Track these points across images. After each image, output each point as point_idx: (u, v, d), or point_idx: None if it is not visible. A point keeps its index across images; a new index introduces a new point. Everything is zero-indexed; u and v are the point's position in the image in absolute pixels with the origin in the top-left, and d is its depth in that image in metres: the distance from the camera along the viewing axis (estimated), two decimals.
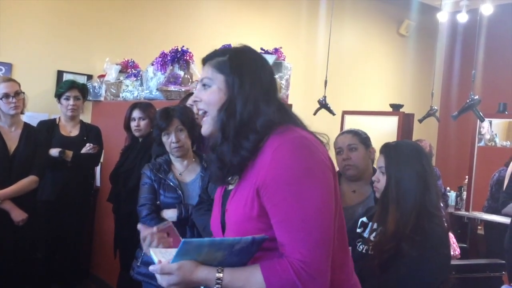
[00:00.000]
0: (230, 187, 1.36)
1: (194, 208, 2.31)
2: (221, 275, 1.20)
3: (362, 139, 2.50)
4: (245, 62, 1.33)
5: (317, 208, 1.20)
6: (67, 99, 3.63)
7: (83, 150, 3.56)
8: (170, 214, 2.40)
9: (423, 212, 1.73)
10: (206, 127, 1.34)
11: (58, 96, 3.65)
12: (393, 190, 1.76)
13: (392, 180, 1.77)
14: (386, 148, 1.86)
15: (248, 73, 1.31)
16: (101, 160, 4.51)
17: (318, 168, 1.23)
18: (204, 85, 1.34)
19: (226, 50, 1.36)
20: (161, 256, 1.26)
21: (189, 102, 1.39)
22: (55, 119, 3.67)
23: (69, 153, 3.48)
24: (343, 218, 1.34)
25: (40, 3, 4.54)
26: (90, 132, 3.70)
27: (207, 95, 1.32)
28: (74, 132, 3.67)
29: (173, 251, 1.28)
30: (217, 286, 1.20)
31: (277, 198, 1.20)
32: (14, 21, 4.40)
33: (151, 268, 1.22)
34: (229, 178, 1.34)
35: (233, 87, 1.29)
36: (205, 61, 1.37)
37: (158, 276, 1.23)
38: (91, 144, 3.61)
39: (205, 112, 1.33)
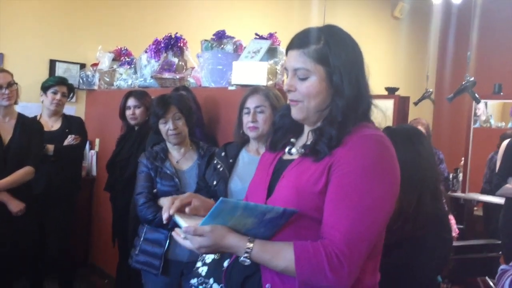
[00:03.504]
0: (288, 156, 1.37)
1: None
2: (251, 245, 1.21)
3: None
4: (345, 48, 1.31)
5: (377, 205, 1.20)
6: (55, 93, 3.58)
7: (65, 142, 3.52)
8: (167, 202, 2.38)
9: (424, 192, 1.74)
10: (299, 113, 1.33)
11: (45, 88, 3.59)
12: None
13: None
14: (386, 131, 1.86)
15: (347, 55, 1.30)
16: (97, 149, 4.51)
17: (393, 174, 1.25)
18: (299, 76, 1.31)
19: (318, 34, 1.31)
20: (190, 222, 1.26)
21: (285, 88, 1.35)
22: (35, 117, 3.61)
23: (50, 147, 3.42)
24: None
25: None
26: (72, 124, 3.65)
27: (306, 87, 1.30)
28: (56, 126, 3.62)
29: (198, 218, 1.29)
30: (245, 255, 1.21)
31: (345, 180, 1.20)
32: (5, 11, 4.33)
33: (184, 229, 1.22)
34: (289, 148, 1.37)
35: (336, 78, 1.28)
36: (294, 46, 1.33)
37: (188, 238, 1.22)
38: (73, 136, 3.56)
39: (298, 101, 1.32)
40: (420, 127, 4.39)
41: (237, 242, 1.22)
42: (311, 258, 1.17)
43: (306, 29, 1.35)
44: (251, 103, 2.19)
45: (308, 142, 1.32)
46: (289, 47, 1.35)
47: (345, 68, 1.29)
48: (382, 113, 1.39)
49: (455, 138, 6.27)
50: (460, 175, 5.43)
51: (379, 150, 1.24)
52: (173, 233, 1.28)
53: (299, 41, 1.32)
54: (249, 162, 2.18)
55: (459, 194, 5.28)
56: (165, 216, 1.30)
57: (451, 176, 5.34)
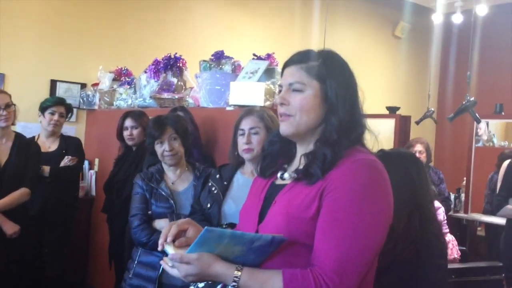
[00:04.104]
0: (280, 181, 1.36)
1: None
2: (239, 273, 1.19)
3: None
4: (342, 73, 1.33)
5: (369, 232, 1.18)
6: (53, 113, 3.58)
7: (62, 164, 3.51)
8: (162, 224, 2.36)
9: (414, 211, 1.73)
10: (288, 127, 1.32)
11: (43, 109, 3.59)
12: None
13: None
14: (380, 153, 1.85)
15: (344, 78, 1.32)
16: (96, 169, 4.50)
17: (386, 199, 1.23)
18: (294, 88, 1.31)
19: (316, 54, 1.34)
20: (177, 250, 1.24)
21: (276, 101, 1.34)
22: (33, 137, 3.61)
23: (46, 169, 3.41)
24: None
25: (33, 13, 4.51)
26: (69, 145, 3.64)
27: (299, 100, 1.30)
28: (53, 147, 3.61)
29: (186, 246, 1.26)
30: (233, 283, 1.18)
31: (336, 206, 1.19)
32: (7, 31, 4.37)
33: (170, 257, 1.20)
34: (281, 173, 1.35)
35: (330, 93, 1.29)
36: (292, 62, 1.34)
37: (175, 266, 1.20)
38: (69, 157, 3.55)
39: (289, 116, 1.31)
40: (419, 145, 4.37)
41: (224, 270, 1.19)
42: (300, 286, 1.15)
43: (305, 49, 1.37)
44: (246, 124, 2.17)
45: (301, 167, 1.30)
46: (286, 64, 1.36)
47: (341, 90, 1.30)
48: (375, 137, 1.37)
49: (458, 158, 6.23)
50: (462, 195, 5.38)
51: (372, 175, 1.22)
52: (161, 262, 1.26)
53: (298, 57, 1.34)
54: (243, 184, 2.15)
55: (461, 214, 5.22)
56: (160, 241, 1.27)
57: (453, 197, 5.28)
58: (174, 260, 1.20)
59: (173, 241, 1.31)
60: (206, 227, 1.17)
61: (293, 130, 1.32)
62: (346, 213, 1.17)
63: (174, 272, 1.22)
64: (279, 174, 1.37)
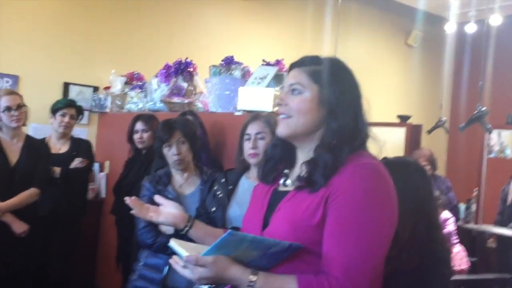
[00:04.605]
0: (283, 188, 1.36)
1: None
2: (255, 278, 1.19)
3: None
4: (342, 74, 1.33)
5: (376, 237, 1.19)
6: (63, 115, 3.61)
7: (72, 165, 3.54)
8: (167, 227, 2.37)
9: (419, 219, 1.72)
10: (285, 129, 1.33)
11: (54, 111, 3.64)
12: None
13: None
14: (383, 162, 1.85)
15: (346, 85, 1.32)
16: (107, 171, 4.53)
17: (390, 203, 1.24)
18: (294, 90, 1.32)
19: (321, 59, 1.35)
20: (189, 249, 1.23)
21: (277, 101, 1.37)
22: (44, 139, 3.65)
23: (57, 170, 3.44)
24: None
25: (47, 15, 4.58)
26: (79, 147, 3.67)
27: (297, 102, 1.31)
28: (64, 149, 3.65)
29: (197, 246, 1.27)
30: None
31: (342, 212, 1.19)
32: (20, 34, 4.44)
33: (185, 258, 1.19)
34: (284, 180, 1.36)
35: (331, 99, 1.29)
36: (296, 65, 1.36)
37: (188, 268, 1.19)
38: (80, 158, 3.58)
39: (288, 117, 1.32)
40: (421, 160, 4.28)
41: (240, 274, 1.19)
42: None
43: (313, 54, 1.38)
44: (252, 129, 2.18)
45: (302, 174, 1.30)
46: (291, 67, 1.38)
47: (342, 96, 1.30)
48: (379, 146, 1.36)
49: (470, 168, 6.17)
50: (473, 206, 5.32)
51: (376, 179, 1.22)
52: (171, 260, 1.25)
53: (303, 61, 1.36)
54: (248, 189, 2.14)
55: (472, 225, 5.16)
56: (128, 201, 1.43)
57: (464, 207, 5.23)
58: (189, 262, 1.19)
59: (181, 239, 1.32)
60: (230, 230, 1.17)
61: (289, 131, 1.32)
62: (352, 220, 1.18)
63: (185, 272, 1.21)
64: (281, 181, 1.37)
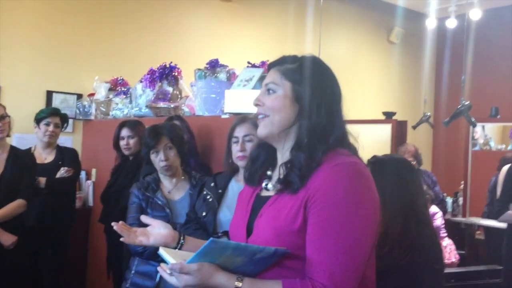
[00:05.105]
0: (266, 193, 1.35)
1: (182, 227, 2.27)
2: (240, 284, 1.19)
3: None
4: (316, 71, 1.33)
5: (359, 238, 1.18)
6: (47, 124, 3.57)
7: (58, 175, 3.50)
8: None
9: (409, 215, 1.73)
10: (263, 129, 1.33)
11: (38, 120, 3.59)
12: (379, 193, 1.77)
13: (377, 185, 1.78)
14: (373, 160, 1.87)
15: (319, 83, 1.31)
16: (94, 179, 4.49)
17: (371, 200, 1.23)
18: (268, 89, 1.33)
19: (296, 58, 1.35)
20: (176, 257, 1.24)
21: (253, 102, 1.36)
22: (29, 149, 3.60)
23: (42, 180, 3.40)
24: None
25: (28, 24, 4.53)
26: (65, 156, 3.63)
27: (271, 100, 1.31)
28: (49, 158, 3.61)
29: (184, 253, 1.27)
30: None
31: (322, 216, 1.18)
32: (2, 43, 4.38)
33: (169, 266, 1.20)
34: (266, 184, 1.35)
35: (304, 96, 1.29)
36: (272, 65, 1.37)
37: (174, 276, 1.20)
38: (65, 168, 3.54)
39: (265, 116, 1.32)
40: (406, 156, 4.33)
41: (225, 281, 1.19)
42: None
43: (289, 54, 1.38)
44: (240, 132, 2.18)
45: (281, 176, 1.29)
46: (269, 68, 1.38)
47: (315, 92, 1.29)
48: (357, 143, 1.35)
49: (455, 162, 6.24)
50: (460, 199, 5.38)
51: (354, 178, 1.21)
52: (159, 268, 1.26)
53: (278, 61, 1.37)
54: (238, 192, 2.14)
55: (459, 218, 5.22)
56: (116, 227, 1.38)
57: (451, 201, 5.29)
58: (174, 270, 1.19)
59: (173, 248, 1.31)
60: (211, 238, 1.17)
61: (267, 130, 1.32)
62: (332, 223, 1.17)
63: (172, 280, 1.22)
64: (263, 184, 1.37)
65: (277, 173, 1.34)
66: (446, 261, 3.79)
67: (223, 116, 2.96)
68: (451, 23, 6.32)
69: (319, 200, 1.19)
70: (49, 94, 4.60)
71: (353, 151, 1.31)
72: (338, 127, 1.30)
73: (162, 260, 1.30)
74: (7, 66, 4.40)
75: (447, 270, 3.46)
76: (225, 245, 1.18)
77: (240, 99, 2.81)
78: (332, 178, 1.20)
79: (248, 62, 3.17)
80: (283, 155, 1.34)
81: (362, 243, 1.19)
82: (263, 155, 1.41)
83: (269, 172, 1.39)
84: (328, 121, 1.28)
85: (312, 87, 1.29)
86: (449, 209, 5.40)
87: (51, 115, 3.60)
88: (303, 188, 1.22)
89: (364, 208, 1.20)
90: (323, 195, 1.19)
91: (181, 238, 1.43)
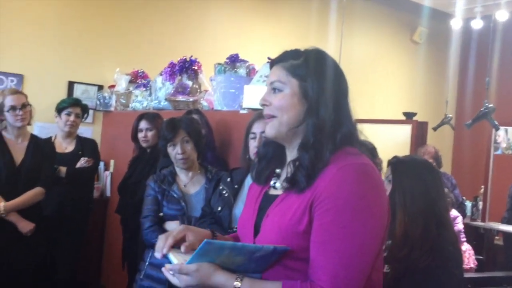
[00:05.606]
0: (274, 191, 1.32)
1: (197, 221, 2.28)
2: (239, 284, 1.18)
3: (368, 150, 2.45)
4: (323, 68, 1.28)
5: (364, 243, 1.15)
6: (69, 114, 3.61)
7: (78, 165, 3.54)
8: (172, 226, 2.35)
9: (430, 217, 1.70)
10: (271, 130, 1.29)
11: (59, 110, 3.63)
12: (400, 194, 1.75)
13: (398, 186, 1.76)
14: (394, 160, 1.85)
15: (327, 77, 1.26)
16: (111, 170, 4.53)
17: (378, 202, 1.19)
18: (274, 88, 1.28)
19: (300, 52, 1.30)
20: (181, 259, 1.23)
21: (260, 102, 1.33)
22: (50, 138, 3.64)
23: (63, 169, 3.44)
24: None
25: (52, 14, 4.58)
26: (85, 146, 3.67)
27: (278, 99, 1.26)
28: (69, 148, 3.65)
29: (190, 254, 1.25)
30: None
31: (327, 218, 1.15)
32: (25, 33, 4.44)
33: (169, 267, 1.20)
34: (274, 183, 1.32)
35: (311, 93, 1.24)
36: (275, 62, 1.31)
37: (175, 276, 1.20)
38: (86, 158, 3.58)
39: (272, 116, 1.28)
40: (426, 157, 4.26)
41: (224, 281, 1.18)
42: None
43: (292, 49, 1.32)
44: (257, 128, 2.16)
45: (289, 175, 1.26)
46: (271, 65, 1.33)
47: (322, 89, 1.25)
48: (366, 139, 1.33)
49: (476, 165, 6.13)
50: (480, 203, 5.28)
51: (361, 181, 1.17)
52: (163, 269, 1.25)
53: (282, 57, 1.31)
54: None
55: (479, 223, 5.13)
56: (158, 255, 1.26)
57: (470, 205, 5.20)
58: (174, 271, 1.20)
59: (176, 247, 1.30)
60: (205, 239, 1.16)
61: (275, 131, 1.28)
62: (338, 226, 1.15)
63: (175, 280, 1.21)
64: (271, 183, 1.34)
65: (286, 171, 1.31)
66: (464, 266, 3.74)
67: (242, 111, 2.95)
68: (477, 24, 6.20)
69: (324, 202, 1.16)
70: (71, 84, 4.65)
71: (362, 149, 1.27)
72: (345, 124, 1.26)
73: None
74: (30, 56, 4.47)
75: (464, 275, 3.41)
76: (221, 245, 1.17)
77: (259, 95, 2.79)
78: (338, 180, 1.16)
79: (268, 58, 3.12)
80: (291, 152, 1.31)
81: (366, 248, 1.16)
82: (270, 153, 1.38)
83: (278, 170, 1.36)
84: (336, 117, 1.24)
85: (319, 82, 1.25)
86: (468, 213, 5.30)
87: (72, 105, 3.64)
88: (310, 188, 1.19)
89: (370, 213, 1.17)
90: (329, 198, 1.16)
91: (213, 235, 1.40)
